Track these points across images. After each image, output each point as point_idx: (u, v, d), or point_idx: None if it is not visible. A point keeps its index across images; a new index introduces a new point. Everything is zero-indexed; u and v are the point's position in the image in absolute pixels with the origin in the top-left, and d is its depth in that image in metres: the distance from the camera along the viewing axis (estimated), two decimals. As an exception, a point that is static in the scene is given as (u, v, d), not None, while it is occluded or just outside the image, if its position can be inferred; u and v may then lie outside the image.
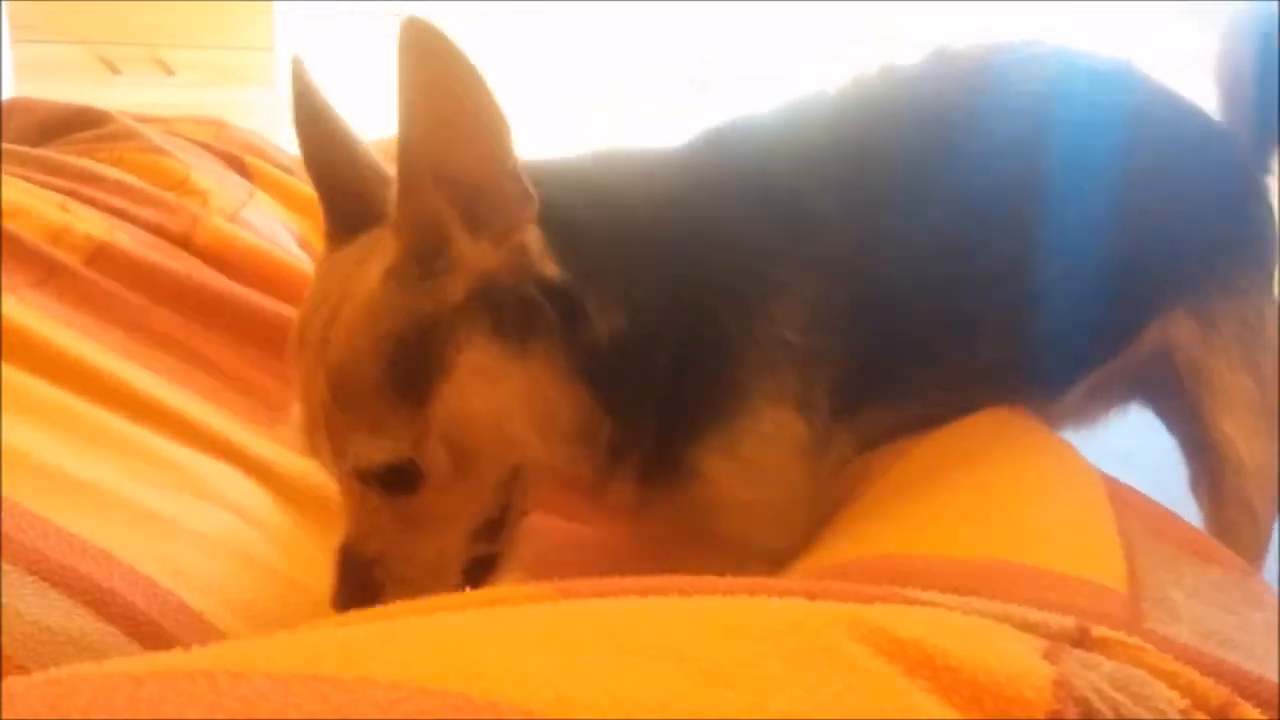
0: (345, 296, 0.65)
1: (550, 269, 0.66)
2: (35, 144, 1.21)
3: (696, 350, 0.70)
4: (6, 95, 2.02)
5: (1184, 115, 0.88)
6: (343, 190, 0.70)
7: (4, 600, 0.49)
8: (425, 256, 0.63)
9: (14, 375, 0.68)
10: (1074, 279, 0.78)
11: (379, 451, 0.63)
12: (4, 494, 0.56)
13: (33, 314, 0.75)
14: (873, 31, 2.98)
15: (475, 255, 0.64)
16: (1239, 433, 0.83)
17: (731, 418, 0.71)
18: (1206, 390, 0.84)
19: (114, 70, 2.55)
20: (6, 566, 0.50)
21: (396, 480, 0.64)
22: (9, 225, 0.83)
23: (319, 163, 0.72)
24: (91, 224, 0.90)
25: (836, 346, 0.73)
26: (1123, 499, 0.67)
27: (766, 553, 0.70)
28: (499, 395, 0.65)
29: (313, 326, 0.66)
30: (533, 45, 2.94)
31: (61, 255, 0.84)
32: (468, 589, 0.65)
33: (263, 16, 2.59)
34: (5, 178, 0.91)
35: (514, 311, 0.65)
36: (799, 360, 0.72)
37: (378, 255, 0.65)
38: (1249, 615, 0.57)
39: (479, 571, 0.69)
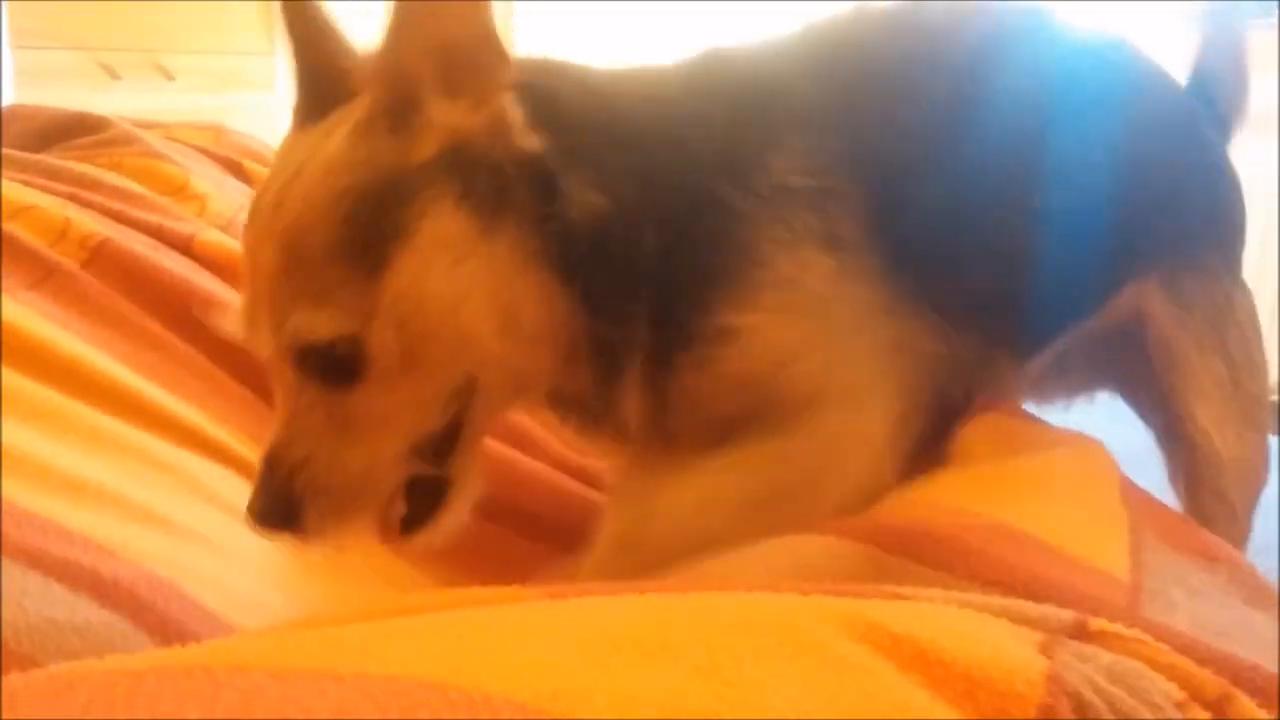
0: (307, 162, 0.61)
1: (528, 140, 0.62)
2: (35, 150, 1.21)
3: (688, 228, 0.65)
4: (6, 101, 2.03)
5: (1170, 90, 0.87)
6: (320, 68, 0.66)
7: (8, 595, 0.49)
8: (396, 112, 0.60)
9: (10, 377, 0.68)
10: (1056, 222, 0.76)
11: (323, 325, 0.58)
12: (3, 494, 0.56)
13: (29, 315, 0.75)
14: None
15: (449, 115, 0.61)
16: (1212, 422, 0.83)
17: (742, 273, 0.66)
18: (1178, 376, 0.83)
19: (114, 75, 2.56)
20: (7, 562, 0.51)
21: (336, 367, 0.59)
22: (8, 226, 0.84)
23: (300, 34, 0.67)
24: (92, 224, 0.90)
25: (849, 189, 0.68)
26: (1135, 499, 0.68)
27: (825, 426, 0.65)
28: (460, 276, 0.60)
29: (268, 195, 0.61)
30: (532, 44, 2.95)
31: (60, 257, 0.84)
32: (405, 513, 0.64)
33: (262, 21, 2.60)
34: (5, 182, 0.91)
35: (486, 181, 0.61)
36: (811, 201, 0.67)
37: (345, 122, 0.61)
38: (1251, 614, 0.58)
39: (424, 498, 0.64)
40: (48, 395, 0.69)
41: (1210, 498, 0.83)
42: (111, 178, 1.08)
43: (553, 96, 0.64)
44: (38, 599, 0.49)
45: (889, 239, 0.69)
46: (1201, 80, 0.89)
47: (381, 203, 0.59)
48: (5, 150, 1.09)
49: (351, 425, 0.60)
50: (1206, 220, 0.86)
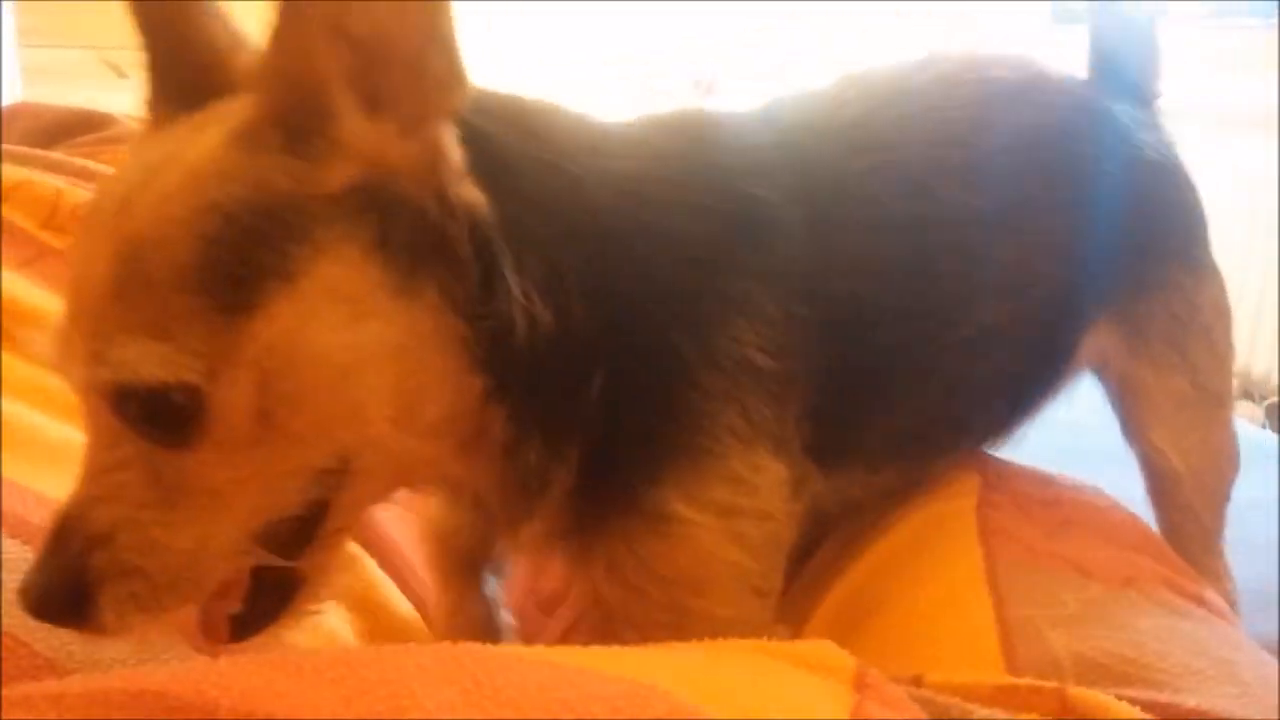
0: (167, 163, 0.49)
1: (469, 192, 0.51)
2: (41, 147, 1.22)
3: (643, 386, 0.58)
4: (14, 99, 2.04)
5: (1100, 119, 0.81)
6: (178, 47, 0.54)
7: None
8: (296, 128, 0.48)
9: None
10: (1011, 317, 0.74)
11: (156, 364, 0.45)
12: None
13: (19, 289, 0.76)
14: (876, 32, 3.00)
15: (368, 138, 0.48)
16: (1168, 441, 0.83)
17: (696, 457, 0.59)
18: (1134, 401, 0.83)
19: (121, 74, 2.57)
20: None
21: (167, 419, 0.46)
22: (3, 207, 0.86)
23: (149, 5, 0.54)
24: (84, 195, 0.92)
25: (806, 374, 0.63)
26: (995, 526, 0.69)
27: (726, 623, 0.58)
28: (360, 338, 0.48)
29: (110, 197, 0.49)
30: (536, 45, 2.96)
31: (50, 237, 0.85)
32: (241, 610, 0.52)
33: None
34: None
35: (409, 231, 0.50)
36: (770, 388, 0.61)
37: (222, 122, 0.49)
38: (1135, 625, 0.60)
39: (271, 594, 0.52)
40: (29, 370, 0.70)
41: (1175, 510, 0.85)
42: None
43: (499, 146, 0.54)
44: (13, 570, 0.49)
45: (851, 374, 0.66)
46: (1106, 59, 0.85)
47: (261, 229, 0.47)
48: (6, 146, 1.10)
49: (179, 496, 0.48)
50: (1161, 238, 0.83)
